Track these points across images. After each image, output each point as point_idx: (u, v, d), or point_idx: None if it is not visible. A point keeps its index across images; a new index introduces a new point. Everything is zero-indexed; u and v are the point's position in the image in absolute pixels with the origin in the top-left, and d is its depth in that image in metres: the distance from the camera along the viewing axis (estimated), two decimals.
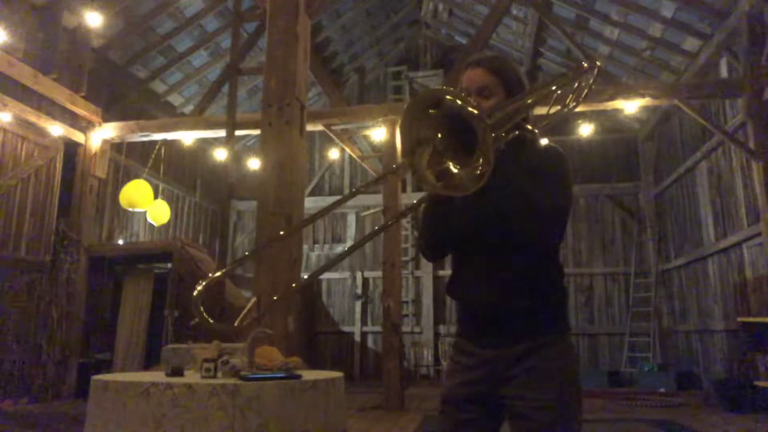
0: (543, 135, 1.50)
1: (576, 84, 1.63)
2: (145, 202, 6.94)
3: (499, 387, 1.42)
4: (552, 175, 1.41)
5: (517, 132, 1.36)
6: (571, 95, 1.63)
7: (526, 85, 1.54)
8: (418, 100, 1.23)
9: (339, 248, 11.20)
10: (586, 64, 1.64)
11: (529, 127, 1.44)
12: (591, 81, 1.65)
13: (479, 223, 1.46)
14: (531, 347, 1.40)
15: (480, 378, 1.45)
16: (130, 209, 7.05)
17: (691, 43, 7.30)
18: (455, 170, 1.20)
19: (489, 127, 1.15)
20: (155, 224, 7.57)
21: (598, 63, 1.68)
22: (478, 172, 1.15)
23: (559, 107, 1.64)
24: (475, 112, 1.15)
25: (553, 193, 1.37)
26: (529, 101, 1.42)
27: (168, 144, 8.07)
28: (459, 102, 1.17)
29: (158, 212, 7.29)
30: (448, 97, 1.19)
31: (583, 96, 1.62)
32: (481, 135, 1.13)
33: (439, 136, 1.22)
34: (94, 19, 6.65)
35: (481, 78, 1.49)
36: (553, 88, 1.51)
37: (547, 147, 1.47)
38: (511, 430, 1.42)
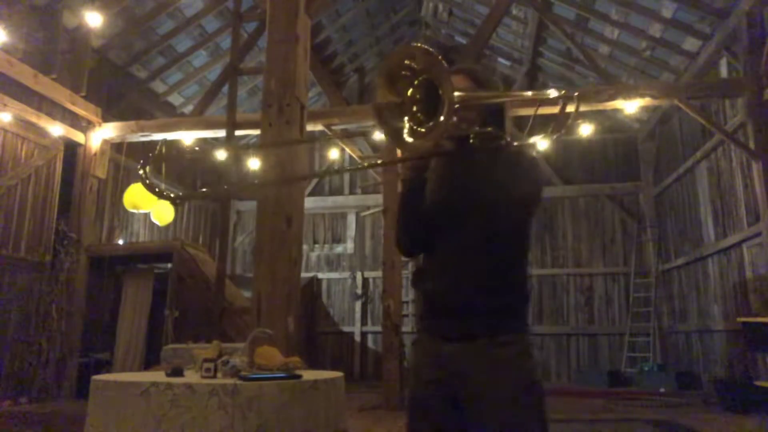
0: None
1: (558, 111, 1.66)
2: (149, 204, 6.95)
3: (460, 384, 1.44)
4: (522, 173, 1.49)
5: (490, 129, 1.43)
6: (553, 124, 1.64)
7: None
8: (401, 50, 1.31)
9: (339, 248, 11.21)
10: (551, 93, 1.61)
11: (505, 135, 1.50)
12: (570, 114, 1.65)
13: (451, 212, 1.50)
14: (491, 344, 1.43)
15: (441, 376, 1.47)
16: (134, 210, 7.06)
17: (691, 43, 7.30)
18: (409, 130, 1.29)
19: (454, 91, 1.23)
20: (160, 224, 7.57)
21: (566, 92, 1.63)
22: (429, 127, 1.23)
23: (540, 134, 1.67)
24: (446, 66, 1.25)
25: (520, 183, 1.46)
26: (500, 94, 1.52)
27: (168, 144, 8.06)
28: (434, 57, 1.27)
29: (162, 212, 7.30)
30: (426, 53, 1.28)
31: (562, 128, 1.58)
32: (447, 96, 1.21)
33: (410, 92, 1.29)
34: (94, 19, 6.65)
35: (461, 82, 1.55)
36: (528, 93, 1.60)
37: (521, 150, 1.54)
38: (471, 428, 1.43)
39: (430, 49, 1.27)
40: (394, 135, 1.31)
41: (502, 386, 1.40)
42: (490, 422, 1.39)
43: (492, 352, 1.43)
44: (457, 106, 1.23)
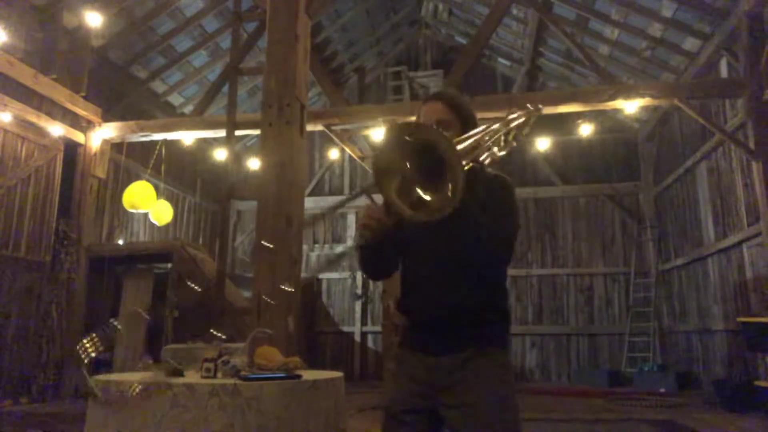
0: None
1: (519, 124, 1.80)
2: (148, 204, 6.96)
3: (439, 395, 1.49)
4: (501, 205, 1.54)
5: (471, 164, 1.45)
6: (510, 135, 1.78)
7: (477, 121, 1.67)
8: (394, 132, 1.30)
9: (339, 248, 11.21)
10: (530, 108, 1.83)
11: (480, 161, 1.55)
12: (528, 125, 1.81)
13: (434, 247, 1.55)
14: (473, 356, 1.49)
15: (421, 389, 1.52)
16: (133, 210, 7.07)
17: (691, 43, 7.30)
18: (427, 197, 1.27)
19: (459, 152, 1.24)
20: (158, 224, 7.58)
21: (540, 106, 1.90)
22: (450, 194, 1.22)
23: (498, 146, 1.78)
24: (447, 137, 1.24)
25: (503, 223, 1.50)
26: (487, 138, 1.55)
27: (168, 144, 8.07)
28: (431, 130, 1.27)
29: (161, 212, 7.31)
30: (419, 127, 1.30)
31: (516, 137, 1.77)
32: (451, 159, 1.21)
33: (408, 165, 1.28)
34: (94, 19, 6.65)
35: (440, 111, 1.62)
36: (495, 127, 1.64)
37: (495, 176, 1.61)
38: None
39: (416, 121, 1.34)
40: (415, 208, 1.28)
41: (485, 397, 1.45)
42: (473, 428, 1.44)
43: (477, 363, 1.49)
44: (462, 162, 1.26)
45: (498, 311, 1.58)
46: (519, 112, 1.79)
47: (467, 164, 1.38)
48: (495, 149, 1.63)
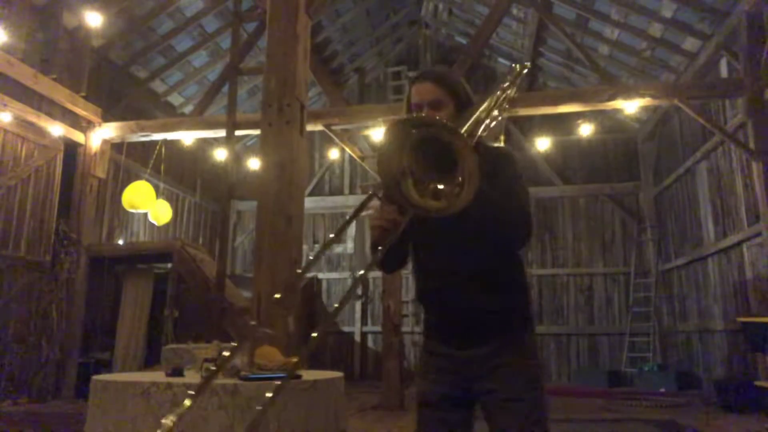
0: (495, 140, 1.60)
1: (508, 84, 1.75)
2: (147, 204, 6.96)
3: (472, 385, 1.49)
4: (509, 176, 1.50)
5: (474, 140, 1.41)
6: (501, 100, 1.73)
7: (472, 95, 1.62)
8: (395, 131, 1.25)
9: (339, 248, 11.20)
10: (518, 67, 1.80)
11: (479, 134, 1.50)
12: (514, 85, 1.76)
13: (446, 232, 1.50)
14: (501, 346, 1.48)
15: (453, 379, 1.51)
16: (132, 210, 7.08)
17: (691, 43, 7.30)
18: (443, 188, 1.23)
19: (467, 138, 1.20)
20: (157, 224, 7.58)
21: (527, 64, 1.89)
22: (468, 182, 1.18)
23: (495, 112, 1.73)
24: (452, 127, 1.20)
25: (515, 196, 1.45)
26: (486, 110, 1.50)
27: (168, 144, 8.07)
28: (433, 122, 1.22)
29: (160, 212, 7.31)
30: (418, 121, 1.24)
31: (508, 99, 1.71)
32: (460, 147, 1.16)
33: (415, 163, 1.24)
34: (94, 19, 6.65)
35: (431, 91, 1.56)
36: (503, 94, 1.61)
37: (497, 148, 1.58)
38: (488, 426, 1.50)
39: (417, 117, 1.27)
40: (439, 197, 1.25)
41: (515, 383, 1.45)
42: (501, 420, 1.45)
43: (501, 353, 1.47)
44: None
45: (519, 297, 1.55)
46: (509, 79, 1.74)
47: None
48: (488, 121, 1.60)
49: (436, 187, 1.24)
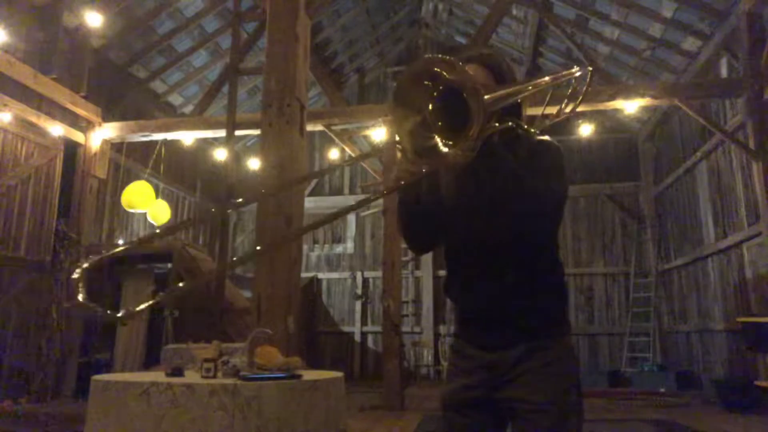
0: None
1: (570, 88, 1.63)
2: (146, 204, 6.95)
3: (498, 390, 1.41)
4: (545, 161, 1.40)
5: (510, 123, 1.31)
6: (566, 99, 1.62)
7: (516, 77, 1.52)
8: (417, 66, 1.19)
9: (339, 248, 11.20)
10: (576, 70, 1.63)
11: (525, 126, 1.42)
12: (585, 86, 1.63)
13: (472, 215, 1.42)
14: (529, 349, 1.38)
15: (478, 382, 1.43)
16: (131, 210, 7.08)
17: (691, 43, 7.30)
18: (443, 145, 1.17)
19: (484, 99, 1.11)
20: (156, 224, 7.58)
21: (590, 68, 1.67)
22: (469, 143, 1.12)
23: (554, 111, 1.64)
24: (473, 81, 1.12)
25: (547, 177, 1.35)
26: (523, 89, 1.38)
27: (168, 144, 8.07)
28: (457, 70, 1.13)
29: (158, 212, 7.30)
30: (446, 65, 1.15)
31: (578, 101, 1.60)
32: (475, 105, 1.09)
33: (431, 106, 1.17)
34: (94, 19, 6.64)
35: (476, 75, 1.42)
36: (546, 79, 1.49)
37: (541, 140, 1.45)
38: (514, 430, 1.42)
39: (447, 57, 1.15)
40: (428, 154, 1.19)
41: (542, 391, 1.36)
42: (529, 426, 1.37)
43: (530, 357, 1.39)
44: (487, 112, 1.14)
45: (551, 296, 1.44)
46: (567, 72, 1.62)
47: (502, 122, 1.27)
48: (546, 120, 1.51)
49: (435, 140, 1.18)
